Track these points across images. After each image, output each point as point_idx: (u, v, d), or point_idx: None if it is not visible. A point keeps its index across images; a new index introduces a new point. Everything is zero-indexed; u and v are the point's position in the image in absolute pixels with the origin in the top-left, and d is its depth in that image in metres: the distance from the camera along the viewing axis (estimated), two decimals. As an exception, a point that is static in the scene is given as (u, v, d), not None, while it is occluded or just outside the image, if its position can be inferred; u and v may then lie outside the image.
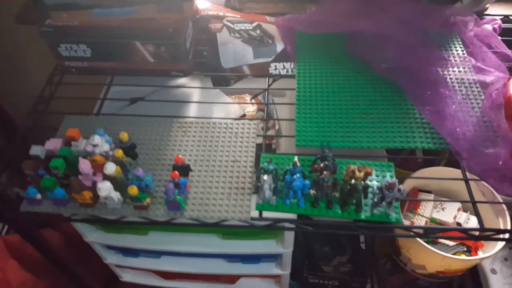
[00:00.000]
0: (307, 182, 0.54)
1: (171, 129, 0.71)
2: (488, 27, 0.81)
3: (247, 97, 0.91)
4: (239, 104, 0.89)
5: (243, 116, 0.87)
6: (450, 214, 0.92)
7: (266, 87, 0.80)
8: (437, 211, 0.93)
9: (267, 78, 0.80)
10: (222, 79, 0.83)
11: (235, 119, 0.80)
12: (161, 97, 0.85)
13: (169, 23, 0.72)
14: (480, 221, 0.58)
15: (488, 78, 0.66)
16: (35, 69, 1.10)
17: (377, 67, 0.72)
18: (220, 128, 0.71)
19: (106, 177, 0.59)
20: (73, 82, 0.81)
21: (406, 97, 0.69)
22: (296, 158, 0.59)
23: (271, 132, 0.85)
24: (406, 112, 0.67)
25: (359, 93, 0.71)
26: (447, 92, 0.66)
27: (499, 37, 0.80)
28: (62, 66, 0.78)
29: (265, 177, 0.54)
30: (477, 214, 0.59)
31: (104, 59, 0.77)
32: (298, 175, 0.54)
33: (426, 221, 0.90)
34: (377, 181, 0.59)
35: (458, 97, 0.66)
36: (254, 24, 0.83)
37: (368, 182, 0.56)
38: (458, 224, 0.89)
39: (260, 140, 0.72)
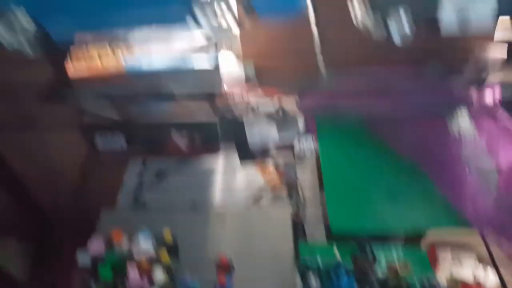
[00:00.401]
0: (352, 281, 0.58)
1: (208, 220, 0.74)
2: (489, 96, 0.87)
3: (269, 166, 0.95)
4: (261, 172, 0.93)
5: (266, 184, 0.90)
6: (468, 268, 0.96)
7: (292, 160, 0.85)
8: (455, 265, 0.96)
9: (292, 153, 0.85)
10: (249, 154, 0.87)
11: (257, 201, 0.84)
12: (186, 169, 0.89)
13: (202, 113, 0.76)
14: None
15: (500, 160, 0.71)
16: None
17: (397, 147, 0.76)
18: (254, 215, 0.75)
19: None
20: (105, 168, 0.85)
21: (428, 177, 0.73)
22: (336, 252, 0.62)
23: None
24: (429, 192, 0.72)
25: (383, 173, 0.76)
26: (465, 173, 0.70)
27: (501, 107, 0.85)
28: (95, 154, 0.82)
29: (311, 276, 0.57)
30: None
31: (139, 147, 0.81)
32: (342, 273, 0.58)
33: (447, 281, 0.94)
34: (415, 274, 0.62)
35: (475, 178, 0.71)
36: (276, 104, 0.88)
37: (406, 272, 0.60)
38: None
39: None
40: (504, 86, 0.89)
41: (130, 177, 0.91)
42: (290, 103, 0.88)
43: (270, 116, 0.86)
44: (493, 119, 0.80)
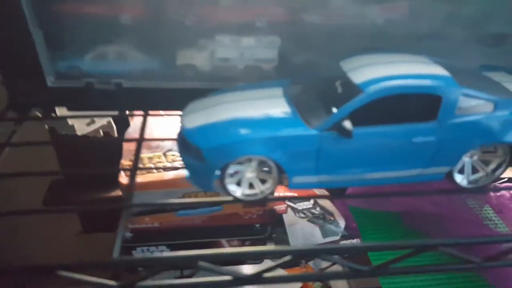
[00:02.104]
0: None
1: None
2: (506, 193, 0.96)
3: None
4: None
5: (302, 288, 0.86)
6: None
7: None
8: None
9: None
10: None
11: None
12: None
13: (253, 217, 0.74)
14: None
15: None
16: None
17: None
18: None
19: None
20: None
21: (477, 272, 0.75)
22: None
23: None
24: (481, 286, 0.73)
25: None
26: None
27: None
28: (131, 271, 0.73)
29: None
30: None
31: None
32: None
33: None
34: None
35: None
36: (312, 202, 0.88)
37: None
38: None
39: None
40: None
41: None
42: (326, 203, 0.89)
43: (311, 215, 0.85)
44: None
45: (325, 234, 0.84)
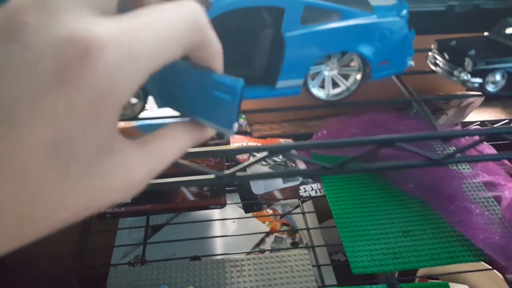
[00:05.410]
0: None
1: (225, 270, 0.71)
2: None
3: (273, 212, 0.94)
4: (265, 220, 0.92)
5: (270, 232, 0.89)
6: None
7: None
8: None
9: (298, 200, 0.86)
10: (254, 205, 0.87)
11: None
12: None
13: (210, 165, 0.76)
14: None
15: (498, 190, 0.77)
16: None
17: (403, 186, 0.80)
18: (274, 263, 0.72)
19: None
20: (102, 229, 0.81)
21: (435, 211, 0.77)
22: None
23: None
24: (440, 227, 0.75)
25: (392, 211, 0.78)
26: (471, 205, 0.75)
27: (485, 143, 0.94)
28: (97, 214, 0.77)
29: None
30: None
31: (144, 203, 0.77)
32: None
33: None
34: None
35: (481, 209, 0.75)
36: (276, 150, 0.90)
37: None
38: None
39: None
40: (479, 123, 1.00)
41: (122, 233, 0.87)
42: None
43: (273, 163, 0.87)
44: (480, 154, 0.87)
45: (285, 180, 0.87)
